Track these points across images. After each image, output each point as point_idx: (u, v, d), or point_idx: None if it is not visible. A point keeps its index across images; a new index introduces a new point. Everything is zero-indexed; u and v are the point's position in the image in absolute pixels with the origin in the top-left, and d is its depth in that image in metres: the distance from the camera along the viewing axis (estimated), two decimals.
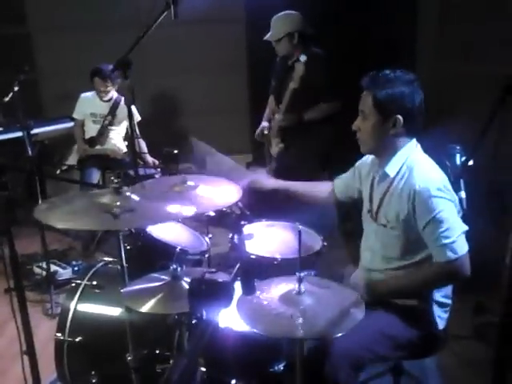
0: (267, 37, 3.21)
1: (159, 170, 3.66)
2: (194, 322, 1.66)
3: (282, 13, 3.17)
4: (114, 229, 1.65)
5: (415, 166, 1.78)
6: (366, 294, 1.78)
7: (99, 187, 2.15)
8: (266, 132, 3.41)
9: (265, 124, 3.50)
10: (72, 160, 4.12)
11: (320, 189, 2.23)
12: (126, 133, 4.12)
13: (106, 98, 4.04)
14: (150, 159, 4.00)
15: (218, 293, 1.01)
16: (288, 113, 3.22)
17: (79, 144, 4.10)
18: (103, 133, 4.06)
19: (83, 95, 4.10)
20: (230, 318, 1.63)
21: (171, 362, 1.67)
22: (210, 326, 0.91)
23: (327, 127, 3.23)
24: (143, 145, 4.06)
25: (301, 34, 3.14)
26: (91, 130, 4.09)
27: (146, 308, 1.59)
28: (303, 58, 3.02)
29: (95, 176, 3.92)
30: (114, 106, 3.96)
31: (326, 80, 3.13)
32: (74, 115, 4.13)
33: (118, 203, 1.59)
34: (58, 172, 4.04)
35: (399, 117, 1.74)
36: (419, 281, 1.79)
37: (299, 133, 3.22)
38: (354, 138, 1.88)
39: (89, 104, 4.08)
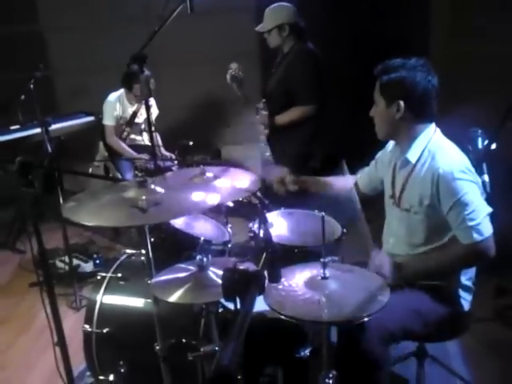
0: (258, 28, 3.17)
1: (175, 162, 3.67)
2: (220, 311, 1.70)
3: (275, 4, 3.12)
4: (143, 223, 1.67)
5: (437, 150, 1.79)
6: (391, 275, 1.79)
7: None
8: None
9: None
10: (99, 158, 4.08)
11: (342, 184, 2.22)
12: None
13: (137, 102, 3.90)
14: (165, 153, 3.96)
15: (250, 282, 1.04)
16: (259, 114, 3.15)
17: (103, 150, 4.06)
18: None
19: (113, 98, 3.91)
20: (256, 304, 1.65)
21: (202, 350, 1.69)
22: (250, 313, 0.93)
23: (304, 128, 3.11)
24: (158, 138, 4.08)
25: (292, 26, 3.07)
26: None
27: (174, 298, 1.61)
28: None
29: (130, 167, 3.89)
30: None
31: (305, 79, 3.05)
32: (106, 122, 3.94)
33: (144, 197, 1.61)
34: (90, 170, 3.99)
35: (400, 102, 1.76)
36: (445, 262, 1.81)
37: (275, 133, 3.14)
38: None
39: (120, 107, 3.94)
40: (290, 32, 3.08)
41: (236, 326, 0.81)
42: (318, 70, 3.10)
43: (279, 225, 2.22)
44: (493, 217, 1.73)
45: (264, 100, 3.21)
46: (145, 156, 3.81)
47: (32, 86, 3.42)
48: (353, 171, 2.23)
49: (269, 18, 3.13)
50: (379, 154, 2.11)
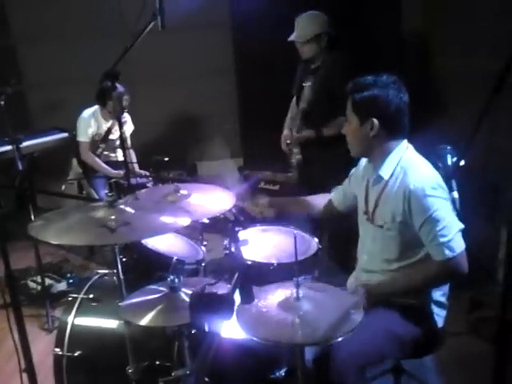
0: (293, 38, 3.01)
1: (150, 178, 3.64)
2: (193, 332, 1.67)
3: (308, 12, 2.99)
4: (111, 243, 1.65)
5: (409, 166, 1.80)
6: (364, 300, 1.78)
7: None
8: (288, 142, 3.21)
9: (286, 133, 3.27)
10: (72, 175, 4.03)
11: (316, 203, 2.23)
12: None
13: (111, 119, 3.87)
14: (139, 171, 3.90)
15: (218, 306, 1.02)
16: (304, 129, 3.07)
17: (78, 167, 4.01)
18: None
19: (87, 115, 3.87)
20: (229, 327, 1.63)
21: (173, 374, 1.66)
22: (215, 341, 0.91)
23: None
24: (133, 155, 4.05)
25: (329, 35, 2.98)
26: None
27: (145, 321, 1.58)
28: (308, 82, 2.90)
29: (104, 184, 3.82)
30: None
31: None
32: (81, 138, 3.88)
33: (113, 217, 1.59)
34: (63, 188, 3.90)
35: (374, 120, 1.77)
36: (418, 280, 1.81)
37: (320, 145, 3.03)
38: None
39: (95, 123, 3.89)
40: (327, 42, 2.98)
41: (199, 356, 0.79)
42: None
43: (254, 242, 2.20)
44: (464, 232, 1.74)
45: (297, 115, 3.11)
46: (121, 173, 3.77)
47: (3, 102, 3.36)
48: None
49: (306, 26, 2.98)
50: (352, 171, 2.11)
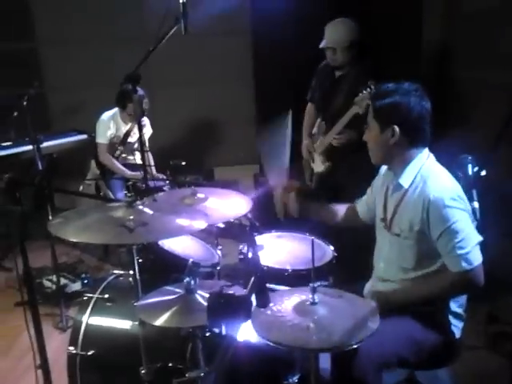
0: (325, 44, 2.93)
1: (167, 182, 3.66)
2: (207, 334, 1.67)
3: (341, 19, 2.92)
4: (129, 242, 1.66)
5: (429, 175, 1.78)
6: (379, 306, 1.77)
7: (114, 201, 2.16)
8: (311, 150, 3.17)
9: (307, 142, 3.23)
10: (90, 176, 4.07)
11: (341, 212, 2.19)
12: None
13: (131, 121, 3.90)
14: (157, 174, 3.90)
15: (236, 307, 1.02)
16: (344, 131, 2.92)
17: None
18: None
19: (106, 117, 3.90)
20: (244, 330, 1.63)
21: (187, 375, 1.66)
22: (233, 341, 0.91)
23: None
24: (151, 158, 4.08)
25: (360, 42, 2.91)
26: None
27: (160, 321, 1.59)
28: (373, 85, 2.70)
29: (121, 186, 3.87)
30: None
31: None
32: (100, 140, 3.91)
33: (132, 217, 1.61)
34: (81, 188, 3.97)
35: (395, 127, 1.76)
36: (433, 290, 1.79)
37: (350, 151, 2.87)
38: None
39: (114, 126, 3.93)
40: (358, 48, 2.93)
41: (218, 355, 0.79)
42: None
43: (270, 247, 2.20)
44: (483, 244, 1.72)
45: (323, 121, 3.06)
46: (139, 174, 3.79)
47: (25, 103, 3.42)
48: None
49: (340, 32, 2.91)
50: (374, 180, 2.09)
